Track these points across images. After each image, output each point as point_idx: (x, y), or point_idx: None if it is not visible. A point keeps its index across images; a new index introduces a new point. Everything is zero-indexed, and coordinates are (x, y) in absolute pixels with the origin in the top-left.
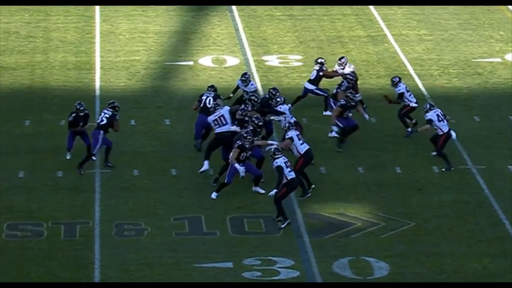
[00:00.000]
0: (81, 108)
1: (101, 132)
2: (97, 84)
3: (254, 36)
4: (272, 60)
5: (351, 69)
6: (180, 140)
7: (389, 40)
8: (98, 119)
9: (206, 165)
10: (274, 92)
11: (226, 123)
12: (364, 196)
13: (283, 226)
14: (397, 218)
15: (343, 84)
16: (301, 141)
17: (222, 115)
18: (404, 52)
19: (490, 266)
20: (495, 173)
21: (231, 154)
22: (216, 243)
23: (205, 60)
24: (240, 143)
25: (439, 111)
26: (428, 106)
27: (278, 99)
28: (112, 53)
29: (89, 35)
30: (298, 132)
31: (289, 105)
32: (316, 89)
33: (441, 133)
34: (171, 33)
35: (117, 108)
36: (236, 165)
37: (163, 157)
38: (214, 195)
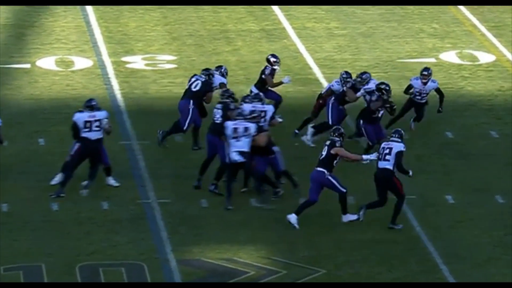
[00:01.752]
0: None
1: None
2: None
3: (111, 31)
4: (136, 62)
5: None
6: (14, 164)
7: (289, 35)
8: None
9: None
10: None
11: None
12: (258, 235)
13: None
14: (301, 264)
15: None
16: None
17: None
18: (310, 51)
19: None
20: (428, 204)
21: (346, 154)
22: None
23: (46, 62)
24: (342, 142)
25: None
26: None
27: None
28: None
29: None
30: None
31: None
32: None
33: None
34: None
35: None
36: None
37: None
38: (293, 219)
